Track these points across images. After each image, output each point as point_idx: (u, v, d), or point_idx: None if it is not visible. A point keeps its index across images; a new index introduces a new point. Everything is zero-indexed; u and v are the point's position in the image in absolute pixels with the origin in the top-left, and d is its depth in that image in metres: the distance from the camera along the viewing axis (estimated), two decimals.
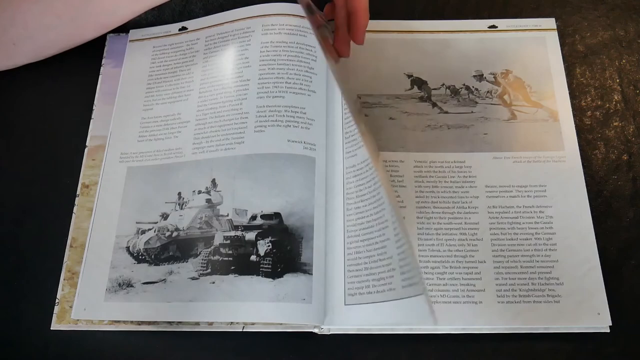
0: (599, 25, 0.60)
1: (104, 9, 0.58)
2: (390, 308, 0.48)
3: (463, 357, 0.48)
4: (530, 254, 0.50)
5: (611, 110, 0.56)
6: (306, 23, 0.58)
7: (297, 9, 0.59)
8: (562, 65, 0.57)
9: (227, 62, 0.59)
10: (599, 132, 0.55)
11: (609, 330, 0.47)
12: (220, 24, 0.61)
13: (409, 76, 0.58)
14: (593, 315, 0.47)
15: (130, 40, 0.63)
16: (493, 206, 0.52)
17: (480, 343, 0.48)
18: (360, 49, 0.59)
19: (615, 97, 0.56)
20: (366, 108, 0.56)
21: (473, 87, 0.57)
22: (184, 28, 0.62)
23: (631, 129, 0.55)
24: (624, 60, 0.58)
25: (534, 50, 0.58)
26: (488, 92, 0.57)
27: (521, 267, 0.49)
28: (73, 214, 0.55)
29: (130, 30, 0.63)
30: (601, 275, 0.48)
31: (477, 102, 0.56)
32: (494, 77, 0.57)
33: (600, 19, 0.60)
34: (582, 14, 0.60)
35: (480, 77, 0.57)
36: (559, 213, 0.51)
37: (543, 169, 0.53)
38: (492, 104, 0.56)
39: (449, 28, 0.60)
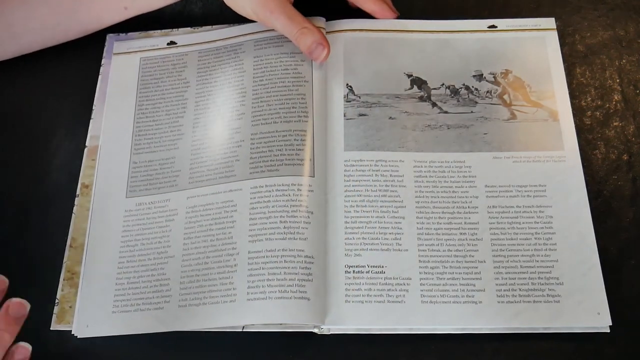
0: (599, 25, 0.60)
1: (90, 17, 0.58)
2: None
3: (463, 357, 0.47)
4: (530, 253, 0.49)
5: (611, 110, 0.56)
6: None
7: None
8: (562, 65, 0.57)
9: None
10: (599, 132, 0.55)
11: (609, 330, 0.47)
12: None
13: (409, 76, 0.57)
14: (593, 315, 0.47)
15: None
16: (493, 206, 0.51)
17: (480, 343, 0.48)
18: (360, 49, 0.58)
19: (615, 97, 0.56)
20: (365, 107, 0.56)
21: (473, 87, 0.57)
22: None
23: (631, 129, 0.55)
24: (624, 60, 0.58)
25: (533, 50, 0.58)
26: (488, 92, 0.57)
27: (521, 266, 0.49)
28: (73, 214, 0.55)
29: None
30: (601, 275, 0.48)
31: (476, 102, 0.56)
32: (493, 77, 0.57)
33: (600, 19, 0.60)
34: (582, 13, 0.60)
35: (480, 77, 0.57)
36: (558, 213, 0.51)
37: (543, 169, 0.52)
38: (491, 103, 0.56)
39: (448, 28, 0.60)
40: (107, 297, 0.50)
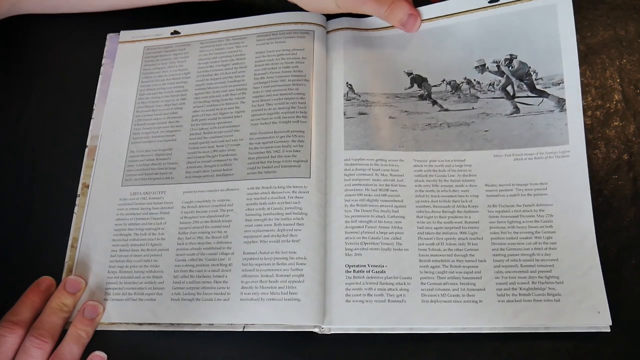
0: (599, 25, 0.59)
1: None
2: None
3: (463, 356, 0.47)
4: (530, 252, 0.49)
5: (612, 110, 0.56)
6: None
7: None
8: (575, 40, 0.54)
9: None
10: (600, 131, 0.55)
11: (609, 330, 0.47)
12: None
13: (409, 74, 0.57)
14: (593, 314, 0.47)
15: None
16: (493, 205, 0.51)
17: (481, 343, 0.48)
18: (360, 47, 0.58)
19: (616, 97, 0.56)
20: (365, 106, 0.56)
21: (475, 80, 0.55)
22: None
23: (632, 129, 0.55)
24: (624, 60, 0.58)
25: (542, 25, 0.54)
26: (490, 84, 0.55)
27: (521, 265, 0.49)
28: (74, 214, 0.55)
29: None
30: (601, 274, 0.48)
31: (478, 97, 0.55)
32: (497, 65, 0.55)
33: (600, 19, 0.60)
34: (582, 13, 0.60)
35: (482, 67, 0.55)
36: (559, 211, 0.50)
37: (544, 166, 0.52)
38: (494, 97, 0.55)
39: (447, 11, 0.57)
40: (99, 285, 0.51)
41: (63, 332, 0.49)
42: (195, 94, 0.58)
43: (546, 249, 0.49)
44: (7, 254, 0.55)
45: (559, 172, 0.51)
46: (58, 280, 0.52)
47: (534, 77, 0.54)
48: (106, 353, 0.49)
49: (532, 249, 0.49)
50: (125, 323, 0.50)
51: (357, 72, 0.57)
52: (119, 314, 0.50)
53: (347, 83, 0.57)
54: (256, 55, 0.59)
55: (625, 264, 0.50)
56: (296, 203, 0.51)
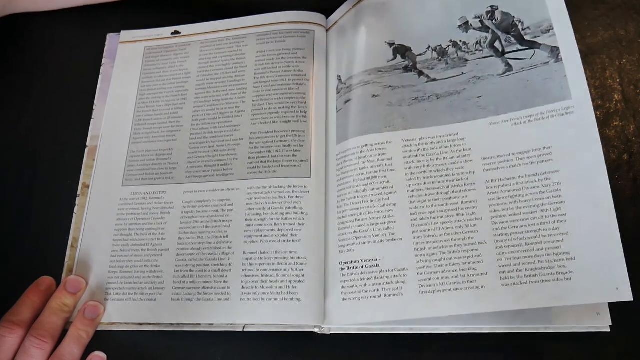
0: (599, 25, 0.59)
1: None
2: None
3: (463, 356, 0.47)
4: (535, 228, 0.45)
5: (611, 110, 0.56)
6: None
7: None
8: None
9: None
10: (600, 131, 0.54)
11: (609, 330, 0.46)
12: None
13: (391, 44, 0.54)
14: (611, 290, 0.42)
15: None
16: (492, 180, 0.47)
17: (481, 343, 0.47)
18: (344, 31, 0.58)
19: (616, 97, 0.56)
20: (350, 92, 0.54)
21: (460, 41, 0.52)
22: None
23: (632, 129, 0.55)
24: (624, 60, 0.58)
25: None
26: (477, 42, 0.52)
27: (526, 244, 0.45)
28: (74, 214, 0.55)
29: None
30: (620, 243, 0.43)
31: (467, 60, 0.51)
32: (480, 21, 0.52)
33: (600, 19, 0.60)
34: (582, 13, 0.60)
35: (465, 25, 0.52)
36: (567, 177, 0.46)
37: (547, 127, 0.47)
38: (483, 57, 0.51)
39: None
40: (100, 285, 0.51)
41: (63, 333, 0.49)
42: (196, 94, 0.58)
43: (554, 222, 0.45)
44: (7, 254, 0.55)
45: (563, 133, 0.47)
46: (58, 280, 0.52)
47: (520, 27, 0.51)
48: (106, 353, 0.49)
49: (537, 224, 0.45)
50: (126, 323, 0.50)
51: (341, 58, 0.56)
52: (120, 314, 0.50)
53: (338, 76, 0.56)
54: (256, 54, 0.59)
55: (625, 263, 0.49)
56: (296, 203, 0.51)
